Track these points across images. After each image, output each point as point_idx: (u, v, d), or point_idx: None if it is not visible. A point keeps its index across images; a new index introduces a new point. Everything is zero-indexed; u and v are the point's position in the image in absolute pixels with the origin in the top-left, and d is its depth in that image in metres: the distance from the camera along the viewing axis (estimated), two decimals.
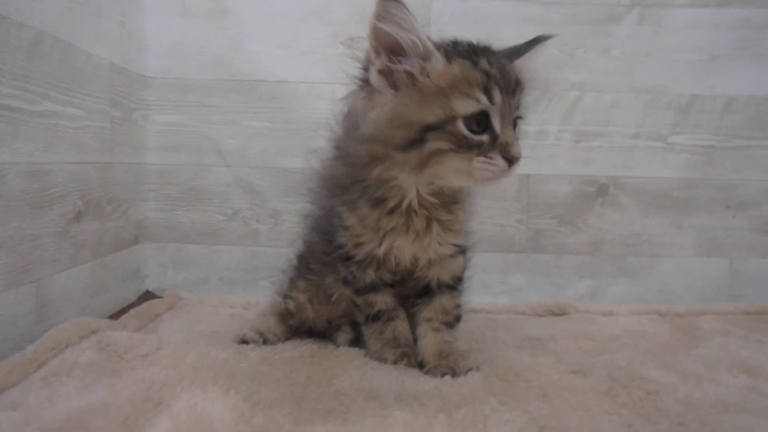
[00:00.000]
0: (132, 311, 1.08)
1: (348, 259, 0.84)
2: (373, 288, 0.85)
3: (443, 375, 0.78)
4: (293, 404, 0.68)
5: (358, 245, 0.82)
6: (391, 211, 0.79)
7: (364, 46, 0.73)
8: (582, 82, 1.37)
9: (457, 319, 0.86)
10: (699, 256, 1.40)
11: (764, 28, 1.35)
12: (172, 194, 1.37)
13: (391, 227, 0.79)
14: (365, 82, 0.72)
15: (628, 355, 0.87)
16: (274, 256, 1.33)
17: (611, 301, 1.39)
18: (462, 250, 0.87)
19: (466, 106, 0.68)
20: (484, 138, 0.70)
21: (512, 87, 0.72)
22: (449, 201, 0.82)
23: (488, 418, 0.64)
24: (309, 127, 1.33)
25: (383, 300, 0.85)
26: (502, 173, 0.70)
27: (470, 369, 0.79)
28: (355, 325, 0.91)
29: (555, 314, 1.22)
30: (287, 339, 0.97)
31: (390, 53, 0.69)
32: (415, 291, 0.87)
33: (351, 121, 0.78)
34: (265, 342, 0.94)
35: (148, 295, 1.34)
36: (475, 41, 0.76)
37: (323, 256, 0.89)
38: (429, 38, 0.71)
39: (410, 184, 0.77)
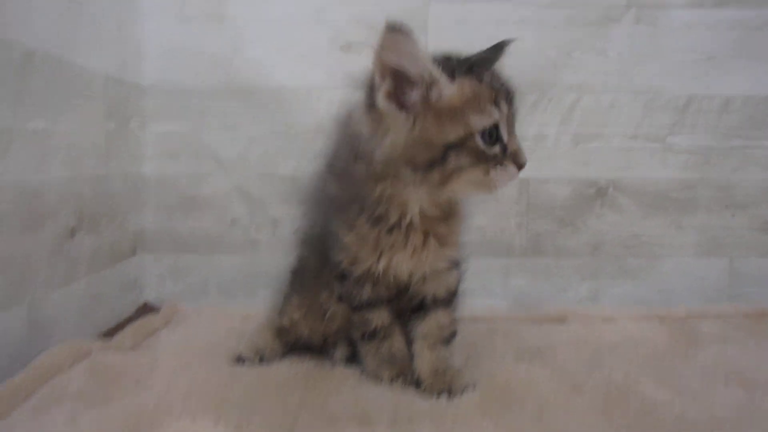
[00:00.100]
0: (128, 328, 1.08)
1: (344, 276, 0.84)
2: (369, 305, 0.84)
3: (439, 394, 0.78)
4: None
5: (354, 262, 0.81)
6: (391, 228, 0.79)
7: (364, 64, 0.72)
8: (580, 83, 1.36)
9: (453, 334, 0.86)
10: (699, 256, 1.40)
11: (761, 28, 1.34)
12: (170, 203, 1.37)
13: (390, 244, 0.79)
14: (371, 106, 0.71)
15: (626, 369, 0.87)
16: (273, 264, 1.32)
17: (612, 302, 1.39)
18: (456, 264, 0.87)
19: (481, 121, 0.70)
20: (497, 149, 0.71)
21: (511, 96, 0.74)
22: (447, 214, 0.82)
23: None
24: (308, 133, 1.32)
25: (379, 317, 0.85)
26: (512, 179, 0.73)
27: (466, 387, 0.79)
28: (351, 341, 0.90)
29: (555, 321, 1.22)
30: (284, 355, 0.97)
31: (395, 78, 0.69)
32: (409, 307, 0.86)
33: (348, 140, 0.77)
34: (261, 359, 0.93)
35: (146, 307, 1.35)
36: (461, 54, 0.77)
37: (317, 272, 0.89)
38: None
39: (416, 200, 0.78)
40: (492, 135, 0.71)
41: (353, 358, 0.91)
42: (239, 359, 0.94)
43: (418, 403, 0.77)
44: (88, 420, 0.69)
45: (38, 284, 0.95)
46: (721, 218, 1.39)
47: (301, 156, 1.31)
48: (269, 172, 1.35)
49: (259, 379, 0.85)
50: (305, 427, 0.69)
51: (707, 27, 1.35)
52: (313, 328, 0.93)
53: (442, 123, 0.70)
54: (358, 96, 0.75)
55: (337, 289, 0.86)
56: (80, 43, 1.06)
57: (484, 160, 0.71)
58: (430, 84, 0.70)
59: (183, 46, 1.32)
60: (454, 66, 0.72)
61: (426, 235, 0.81)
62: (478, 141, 0.70)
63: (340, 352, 0.93)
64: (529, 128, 1.36)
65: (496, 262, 1.39)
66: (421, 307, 0.86)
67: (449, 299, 0.86)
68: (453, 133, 0.70)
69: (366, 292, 0.83)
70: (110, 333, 1.12)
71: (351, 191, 0.78)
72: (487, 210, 1.38)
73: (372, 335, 0.85)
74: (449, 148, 0.70)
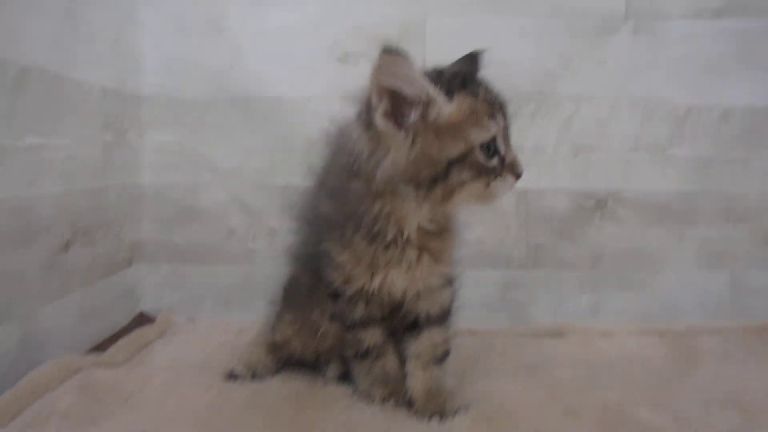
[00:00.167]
0: (121, 341, 1.08)
1: (337, 295, 0.83)
2: (362, 324, 0.83)
3: (431, 416, 0.78)
4: None
5: (348, 281, 0.81)
6: (388, 245, 0.78)
7: (362, 75, 0.71)
8: (578, 94, 1.35)
9: (446, 353, 0.85)
10: (700, 268, 1.39)
11: (760, 38, 1.33)
12: (168, 213, 1.36)
13: (386, 261, 0.79)
14: (368, 125, 0.71)
15: (622, 390, 0.86)
16: (270, 275, 1.32)
17: (613, 315, 1.37)
18: (450, 281, 0.86)
19: (480, 136, 0.71)
20: (495, 161, 0.73)
21: (504, 108, 0.75)
22: (443, 229, 0.81)
23: None
24: (305, 144, 1.31)
25: (372, 336, 0.84)
26: (510, 189, 0.75)
27: (459, 409, 0.78)
28: (344, 359, 0.89)
29: (553, 336, 1.20)
30: (277, 371, 0.96)
31: (393, 98, 0.70)
32: (403, 325, 0.86)
33: (342, 157, 0.77)
34: (254, 376, 0.93)
35: (142, 317, 1.34)
36: (445, 67, 0.78)
37: (309, 290, 0.88)
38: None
39: (415, 216, 0.77)
40: (490, 148, 0.72)
41: (346, 377, 0.90)
42: (232, 375, 0.93)
43: (410, 424, 0.76)
44: None
45: (30, 299, 0.94)
46: (722, 230, 1.38)
47: (298, 167, 1.31)
48: (267, 183, 1.35)
49: (250, 398, 0.84)
50: None
51: (706, 37, 1.33)
52: (305, 345, 0.93)
53: (443, 140, 0.71)
54: (350, 112, 0.75)
55: (330, 307, 0.85)
56: (77, 57, 1.06)
57: (484, 172, 0.72)
58: (428, 103, 0.70)
59: (182, 57, 1.32)
60: (447, 82, 0.72)
61: (421, 251, 0.80)
62: (479, 155, 0.71)
63: (333, 370, 0.92)
64: (528, 139, 1.35)
65: (494, 274, 1.38)
66: (414, 326, 0.85)
67: (443, 317, 0.85)
68: (454, 149, 0.71)
69: (359, 311, 0.83)
70: (106, 344, 1.12)
71: (346, 209, 0.77)
72: (486, 222, 1.37)
73: (365, 354, 0.84)
74: (451, 163, 0.71)
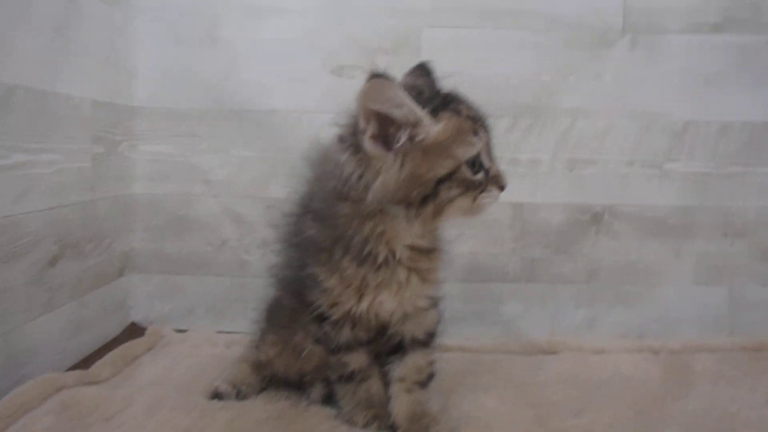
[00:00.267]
0: (108, 355, 1.07)
1: (322, 319, 0.82)
2: (348, 347, 0.82)
3: None
4: None
5: (335, 305, 0.80)
6: (379, 267, 0.78)
7: (357, 87, 0.71)
8: (575, 108, 1.34)
9: (431, 376, 0.84)
10: (697, 284, 1.37)
11: (758, 53, 1.32)
12: (160, 224, 1.36)
13: (376, 283, 0.78)
14: (356, 148, 0.71)
15: (612, 413, 0.84)
16: (262, 286, 1.32)
17: (608, 330, 1.36)
18: (435, 303, 0.85)
19: (466, 153, 0.72)
20: (481, 175, 0.74)
21: (486, 123, 0.76)
22: (431, 248, 0.81)
23: None
24: (299, 156, 1.31)
25: (357, 359, 0.83)
26: (496, 201, 0.76)
27: None
28: (328, 381, 0.88)
29: (546, 352, 1.19)
30: (262, 389, 0.95)
31: (380, 121, 0.70)
32: (387, 348, 0.84)
33: (327, 180, 0.76)
34: (238, 394, 0.92)
35: (133, 327, 1.34)
36: (408, 81, 0.79)
37: (292, 313, 0.87)
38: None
39: (407, 235, 0.77)
40: (476, 163, 0.73)
41: (330, 398, 0.89)
42: (216, 394, 0.92)
43: None
44: None
45: (15, 315, 0.93)
46: (720, 246, 1.36)
47: (292, 179, 1.30)
48: (260, 195, 1.34)
49: (232, 419, 0.83)
50: None
51: (704, 52, 1.33)
52: (288, 366, 0.92)
53: (431, 159, 0.71)
54: (334, 135, 0.75)
55: (315, 331, 0.84)
56: (66, 72, 1.06)
57: (471, 187, 0.73)
58: (416, 125, 0.70)
59: (176, 69, 1.32)
60: (430, 101, 0.73)
61: (410, 271, 0.80)
62: (465, 171, 0.72)
63: (317, 391, 0.91)
64: (524, 152, 1.35)
65: (488, 288, 1.37)
66: (399, 349, 0.84)
67: (428, 340, 0.84)
68: (443, 167, 0.71)
69: (345, 335, 0.82)
70: (96, 356, 1.11)
71: (334, 232, 0.77)
72: (480, 235, 1.36)
73: (349, 378, 0.83)
74: (440, 181, 0.72)
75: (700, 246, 1.36)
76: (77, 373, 0.98)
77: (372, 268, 0.77)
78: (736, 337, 1.25)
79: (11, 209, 0.91)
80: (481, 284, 1.36)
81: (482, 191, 0.74)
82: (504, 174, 0.77)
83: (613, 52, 1.33)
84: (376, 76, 0.67)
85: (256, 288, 1.32)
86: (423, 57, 1.29)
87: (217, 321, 1.37)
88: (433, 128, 0.71)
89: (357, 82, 0.80)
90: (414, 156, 0.71)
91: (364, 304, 0.79)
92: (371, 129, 0.70)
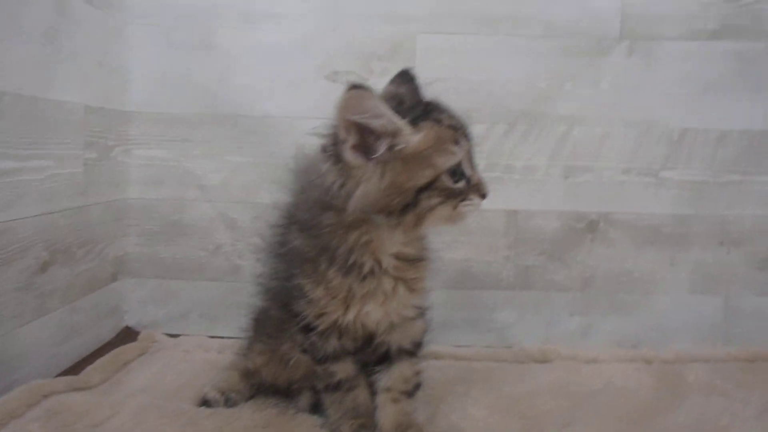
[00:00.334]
0: (99, 360, 1.07)
1: (309, 329, 0.82)
2: (334, 357, 0.82)
3: None
4: None
5: (320, 315, 0.80)
6: (365, 277, 0.78)
7: (327, 121, 0.73)
8: (571, 115, 1.33)
9: (417, 387, 0.84)
10: (693, 293, 1.37)
11: (757, 60, 1.31)
12: (154, 229, 1.36)
13: (362, 293, 0.78)
14: (337, 158, 0.71)
15: (600, 426, 0.84)
16: (254, 293, 1.32)
17: (603, 338, 1.35)
18: (422, 313, 0.85)
19: (447, 162, 0.72)
20: (462, 184, 0.74)
21: (467, 132, 0.76)
22: (418, 257, 0.81)
23: None
24: (284, 166, 1.31)
25: (344, 369, 0.83)
26: (477, 209, 0.76)
27: None
28: (315, 390, 0.88)
29: (538, 361, 1.18)
30: (251, 396, 0.95)
31: (360, 132, 0.70)
32: (374, 358, 0.84)
33: (312, 191, 0.77)
34: (226, 401, 0.92)
35: (127, 331, 1.34)
36: (391, 90, 0.80)
37: (279, 323, 0.87)
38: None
39: (393, 244, 0.78)
40: (456, 172, 0.73)
41: (317, 407, 0.89)
42: (205, 402, 0.92)
43: None
44: None
45: (5, 322, 0.93)
46: (716, 255, 1.36)
47: (279, 187, 1.31)
48: (253, 200, 1.34)
49: (219, 427, 0.83)
50: None
51: (702, 59, 1.32)
52: (276, 374, 0.92)
53: (411, 169, 0.71)
54: (317, 147, 0.74)
55: (301, 341, 0.84)
56: (57, 78, 1.06)
57: (452, 196, 0.73)
58: (395, 134, 0.70)
59: (170, 74, 1.32)
60: (410, 111, 0.73)
61: (396, 280, 0.80)
62: (446, 180, 0.73)
63: (304, 400, 0.91)
64: (519, 159, 1.34)
65: (482, 295, 1.37)
66: (385, 358, 0.84)
67: (414, 350, 0.84)
68: (423, 177, 0.71)
69: (331, 345, 0.82)
70: (88, 360, 1.11)
71: (319, 242, 0.77)
72: (474, 242, 1.35)
73: (336, 387, 0.83)
74: (420, 190, 0.72)
75: (696, 255, 1.36)
76: (67, 379, 0.98)
77: (357, 279, 0.77)
78: (731, 347, 1.24)
79: (1, 216, 0.91)
80: (474, 291, 1.36)
81: (463, 199, 0.74)
82: (485, 182, 0.77)
83: (610, 59, 1.32)
84: (354, 87, 0.67)
85: (250, 293, 1.34)
86: (418, 63, 1.32)
87: (211, 326, 1.37)
88: (412, 138, 0.71)
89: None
90: (394, 165, 0.71)
91: (350, 315, 0.78)
92: (351, 139, 0.70)
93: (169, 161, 1.34)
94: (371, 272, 0.77)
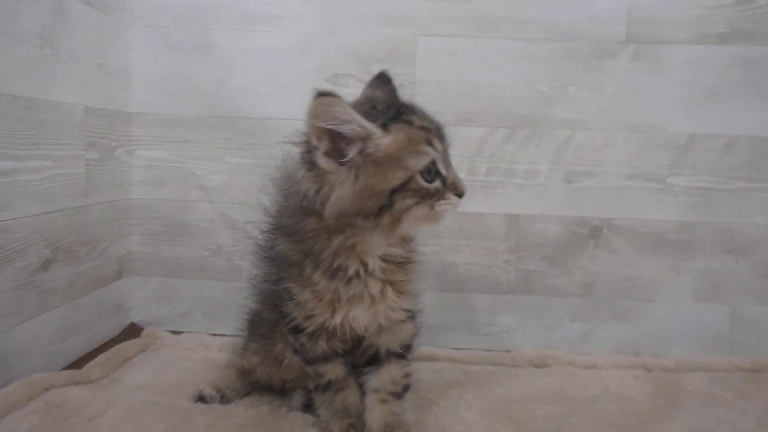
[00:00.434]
0: (101, 356, 1.09)
1: (299, 331, 0.83)
2: (324, 358, 0.83)
3: None
4: None
5: (309, 317, 0.81)
6: (350, 280, 0.78)
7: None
8: (573, 120, 1.32)
9: (406, 388, 0.85)
10: (697, 301, 1.34)
11: (766, 65, 1.28)
12: (157, 229, 1.38)
13: (348, 296, 0.79)
14: (311, 165, 0.73)
15: None
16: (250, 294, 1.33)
17: (603, 344, 1.34)
18: (412, 316, 0.85)
19: (419, 162, 0.73)
20: (438, 183, 0.75)
21: (441, 132, 0.77)
22: (405, 260, 0.82)
23: None
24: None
25: (333, 370, 0.84)
26: (455, 208, 0.77)
27: None
28: (308, 390, 0.89)
29: (536, 365, 1.18)
30: (247, 393, 0.97)
31: (331, 138, 0.71)
32: (363, 359, 0.85)
33: (293, 198, 0.78)
34: (222, 398, 0.94)
35: (132, 328, 1.36)
36: (369, 94, 0.81)
37: (271, 325, 0.88)
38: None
39: (378, 246, 0.78)
40: (431, 172, 0.74)
41: (310, 406, 0.90)
42: (200, 398, 0.94)
43: None
44: None
45: (5, 318, 0.95)
46: (722, 263, 1.33)
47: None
48: (253, 201, 1.34)
49: (211, 422, 0.84)
50: None
51: (710, 63, 1.30)
52: (270, 373, 0.93)
53: (383, 171, 0.72)
54: (296, 155, 0.76)
55: (292, 342, 0.85)
56: (56, 79, 1.07)
57: (428, 196, 0.74)
58: (365, 138, 0.71)
59: (170, 76, 1.34)
60: (382, 114, 0.74)
61: (384, 283, 0.80)
62: (420, 181, 0.73)
63: (297, 398, 0.92)
64: (520, 163, 1.33)
65: (482, 299, 1.36)
66: (375, 360, 0.84)
67: (403, 352, 0.85)
68: (395, 178, 0.72)
69: (320, 346, 0.83)
70: (92, 355, 1.13)
71: (303, 247, 0.78)
72: (474, 246, 1.35)
73: (326, 387, 0.84)
74: (394, 192, 0.72)
75: (701, 262, 1.33)
76: (68, 373, 1.01)
77: (343, 282, 0.78)
78: (734, 357, 1.21)
79: None
80: (474, 295, 1.36)
81: (440, 199, 0.74)
82: (461, 181, 0.78)
83: (615, 63, 1.31)
84: (322, 94, 0.68)
85: (246, 294, 1.35)
86: (418, 66, 1.32)
87: (212, 324, 1.38)
88: (383, 141, 0.72)
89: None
90: (367, 169, 0.71)
91: (337, 318, 0.79)
92: (323, 145, 0.71)
93: (170, 162, 1.36)
94: (356, 275, 0.78)
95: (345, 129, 0.70)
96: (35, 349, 1.03)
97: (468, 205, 1.32)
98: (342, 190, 0.72)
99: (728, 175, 1.32)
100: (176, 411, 0.87)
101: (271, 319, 0.89)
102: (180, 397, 0.94)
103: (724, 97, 1.30)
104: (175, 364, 1.12)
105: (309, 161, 0.73)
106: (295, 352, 0.86)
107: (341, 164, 0.71)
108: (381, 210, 0.72)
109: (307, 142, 0.73)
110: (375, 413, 0.82)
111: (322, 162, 0.71)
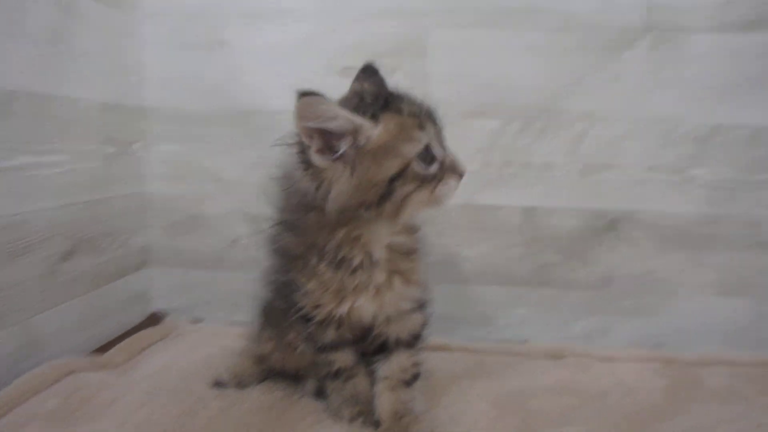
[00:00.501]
0: (124, 342, 1.13)
1: (308, 320, 0.84)
2: (333, 347, 0.85)
3: None
4: None
5: (317, 307, 0.82)
6: (355, 270, 0.79)
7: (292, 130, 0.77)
8: (590, 111, 1.30)
9: (415, 376, 0.86)
10: (720, 295, 1.31)
11: None
12: (176, 221, 1.42)
13: (354, 286, 0.80)
14: (307, 164, 0.74)
15: (602, 427, 0.81)
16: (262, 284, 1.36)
17: (621, 340, 1.32)
18: (422, 306, 0.86)
19: (413, 149, 0.73)
20: (435, 167, 0.75)
21: (433, 115, 0.78)
22: (411, 249, 0.83)
23: None
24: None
25: (343, 358, 0.86)
26: (456, 189, 0.78)
27: None
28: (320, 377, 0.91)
29: (550, 357, 1.17)
30: (262, 380, 1.00)
31: (322, 135, 0.73)
32: (373, 348, 0.86)
33: (294, 195, 0.80)
34: (238, 384, 0.97)
35: (154, 317, 1.40)
36: (356, 87, 0.82)
37: (283, 314, 0.90)
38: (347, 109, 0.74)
39: (382, 236, 0.79)
40: (427, 156, 0.74)
41: (323, 392, 0.91)
42: (218, 383, 0.97)
43: None
44: None
45: (29, 306, 1.00)
46: (746, 257, 1.30)
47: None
48: (267, 194, 1.37)
49: (225, 407, 0.87)
50: None
51: (734, 52, 1.26)
52: (284, 360, 0.95)
53: (379, 161, 0.73)
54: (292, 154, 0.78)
55: (302, 331, 0.87)
56: (71, 76, 1.11)
57: (427, 180, 0.75)
58: (355, 132, 0.72)
59: (183, 72, 1.36)
60: (371, 105, 0.75)
61: (391, 273, 0.81)
62: (416, 166, 0.74)
63: (310, 385, 0.94)
64: (536, 156, 1.32)
65: (497, 291, 1.36)
66: (384, 348, 0.85)
67: (412, 342, 0.85)
68: (392, 167, 0.73)
69: (329, 335, 0.84)
70: (116, 342, 1.18)
71: (306, 240, 0.80)
72: (490, 238, 1.35)
73: (336, 375, 0.86)
74: (392, 180, 0.73)
75: (724, 257, 1.30)
76: (91, 358, 1.05)
77: (347, 272, 0.79)
78: (757, 352, 1.18)
79: (17, 208, 0.97)
80: (489, 287, 1.35)
81: (439, 182, 0.75)
82: (459, 161, 0.78)
83: (632, 53, 1.28)
84: (305, 95, 0.69)
85: (259, 284, 1.38)
86: (430, 58, 1.32)
87: (232, 314, 1.41)
88: (373, 132, 0.72)
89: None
90: (362, 161, 0.72)
91: (344, 307, 0.80)
92: (315, 144, 0.72)
93: (186, 156, 1.39)
94: (361, 265, 0.79)
95: (332, 125, 0.71)
96: (61, 335, 1.07)
97: (482, 197, 1.34)
98: (340, 185, 0.73)
99: (752, 167, 1.28)
100: (191, 396, 0.90)
101: (282, 309, 0.90)
102: (197, 383, 0.97)
103: (748, 87, 1.26)
104: (193, 351, 1.15)
105: (305, 160, 0.74)
106: (306, 340, 0.87)
107: (336, 159, 0.72)
108: (382, 199, 0.73)
109: (301, 143, 0.74)
110: (384, 401, 0.83)
111: (316, 159, 0.73)
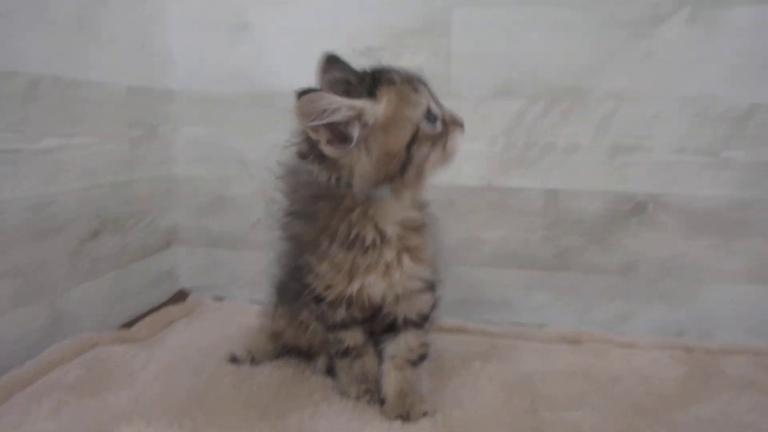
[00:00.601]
0: (148, 318, 1.18)
1: (319, 300, 0.86)
2: (343, 325, 0.87)
3: (396, 418, 0.79)
4: None
5: (328, 288, 0.84)
6: (366, 249, 0.80)
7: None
8: (620, 90, 1.25)
9: (422, 357, 0.87)
10: (751, 283, 1.26)
11: None
12: (201, 202, 1.45)
13: (365, 265, 0.81)
14: (321, 158, 0.75)
15: (609, 414, 0.80)
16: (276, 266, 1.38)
17: (644, 326, 1.29)
18: (430, 286, 0.86)
19: (417, 112, 0.76)
20: (438, 125, 0.78)
21: (421, 78, 0.80)
22: (419, 223, 0.84)
23: None
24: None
25: (353, 337, 0.87)
26: (462, 140, 0.81)
27: (425, 414, 0.79)
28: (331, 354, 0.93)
29: (568, 342, 1.16)
30: (277, 356, 1.03)
31: (328, 127, 0.73)
32: (382, 327, 0.87)
33: (302, 187, 0.83)
34: (252, 360, 1.00)
35: (180, 294, 1.46)
36: (345, 76, 0.82)
37: (296, 294, 0.92)
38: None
39: (398, 210, 0.80)
40: (430, 117, 0.77)
41: (333, 370, 0.93)
42: (233, 359, 1.01)
43: (373, 423, 0.77)
44: (68, 413, 0.76)
45: (58, 283, 1.05)
46: None
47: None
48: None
49: (237, 382, 0.90)
50: None
51: None
52: (297, 338, 0.98)
53: (392, 133, 0.74)
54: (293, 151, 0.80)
55: (314, 309, 0.89)
56: (97, 60, 1.14)
57: (437, 139, 0.78)
58: (360, 115, 0.73)
59: (208, 55, 1.38)
60: (367, 86, 0.75)
61: (400, 251, 0.82)
62: (425, 127, 0.77)
63: (321, 363, 0.96)
64: (560, 137, 1.29)
65: (518, 274, 1.34)
66: (392, 328, 0.86)
67: (420, 322, 0.86)
68: (405, 135, 0.75)
69: (340, 314, 0.86)
70: (142, 318, 1.23)
71: (317, 225, 0.81)
72: (510, 221, 1.33)
73: (345, 353, 0.88)
74: (409, 147, 0.75)
75: (757, 243, 1.25)
76: (116, 332, 1.10)
77: (360, 251, 0.80)
78: None
79: (45, 189, 1.02)
80: (509, 270, 1.34)
81: (447, 137, 0.79)
82: (455, 113, 0.81)
83: (666, 28, 1.22)
84: (303, 93, 0.70)
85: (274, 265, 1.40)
86: (454, 38, 1.30)
87: (253, 292, 1.44)
88: (378, 109, 0.73)
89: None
90: (375, 138, 0.73)
91: (354, 286, 0.82)
92: (323, 137, 0.73)
93: (212, 138, 1.42)
94: (373, 244, 0.80)
95: (336, 117, 0.71)
96: (89, 311, 1.13)
97: (504, 179, 1.32)
98: (361, 167, 0.74)
99: None
100: (206, 370, 0.94)
101: (295, 289, 0.92)
102: (214, 359, 1.01)
103: None
104: (215, 328, 1.19)
105: (318, 155, 0.75)
106: (317, 319, 0.89)
107: (348, 146, 0.73)
108: (404, 167, 0.75)
109: (308, 139, 0.75)
110: (390, 379, 0.84)
111: (329, 151, 0.73)
